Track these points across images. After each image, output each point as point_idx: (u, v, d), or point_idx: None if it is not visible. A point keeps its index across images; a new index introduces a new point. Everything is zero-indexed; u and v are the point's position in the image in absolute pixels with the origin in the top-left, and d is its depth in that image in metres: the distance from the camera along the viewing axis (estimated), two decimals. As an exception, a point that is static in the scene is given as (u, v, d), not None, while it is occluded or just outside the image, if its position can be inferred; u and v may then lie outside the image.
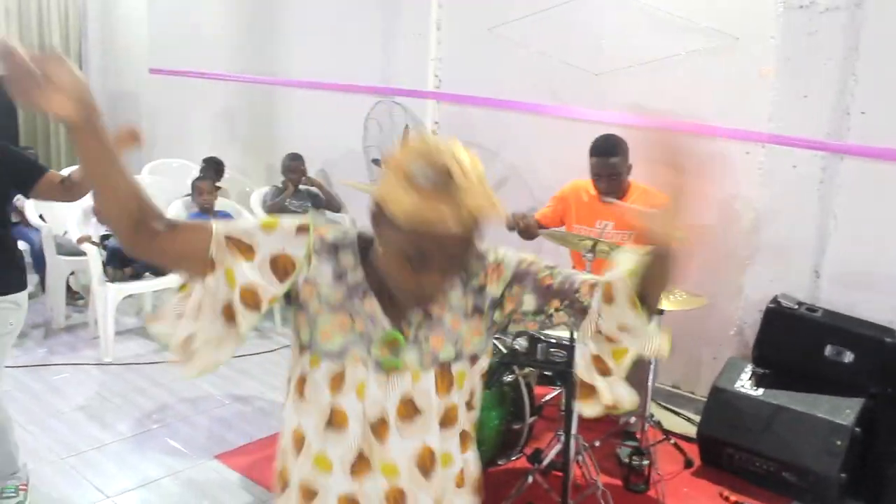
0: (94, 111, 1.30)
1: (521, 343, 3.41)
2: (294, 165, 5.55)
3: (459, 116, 5.04)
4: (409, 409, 1.45)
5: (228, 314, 1.40)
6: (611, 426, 3.92)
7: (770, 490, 3.52)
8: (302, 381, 1.48)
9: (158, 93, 7.20)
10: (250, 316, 1.41)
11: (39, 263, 5.25)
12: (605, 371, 1.46)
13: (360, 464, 1.46)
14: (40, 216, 5.18)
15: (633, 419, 3.70)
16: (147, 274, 4.83)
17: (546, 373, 3.57)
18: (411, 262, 1.33)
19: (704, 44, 4.01)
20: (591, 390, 1.48)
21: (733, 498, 3.46)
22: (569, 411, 3.12)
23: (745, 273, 4.04)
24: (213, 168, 5.89)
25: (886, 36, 3.52)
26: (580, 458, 3.26)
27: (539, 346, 3.31)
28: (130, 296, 4.99)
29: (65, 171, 3.12)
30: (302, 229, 1.43)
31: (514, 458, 3.44)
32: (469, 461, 1.58)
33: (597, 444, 3.47)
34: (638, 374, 3.47)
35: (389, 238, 1.34)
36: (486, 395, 2.98)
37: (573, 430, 3.13)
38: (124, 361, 4.64)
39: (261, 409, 4.17)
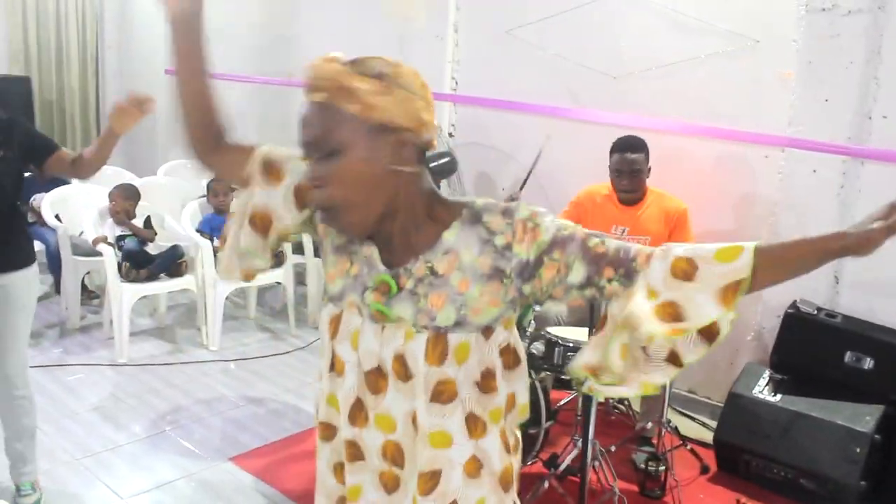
0: (199, 9, 1.55)
1: (538, 347, 3.39)
2: (309, 167, 5.55)
3: (476, 119, 5.02)
4: (403, 369, 1.36)
5: (252, 227, 1.49)
6: (627, 431, 3.90)
7: (787, 497, 3.48)
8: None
9: (174, 93, 7.20)
10: (255, 238, 1.48)
11: (55, 264, 5.27)
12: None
13: (358, 412, 1.41)
14: (56, 216, 5.19)
15: (649, 424, 3.67)
16: (162, 275, 4.83)
17: (563, 377, 3.54)
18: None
19: (724, 46, 3.98)
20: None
21: (750, 505, 3.44)
22: (586, 416, 3.10)
23: (764, 278, 3.99)
24: (228, 169, 5.88)
25: (909, 39, 3.49)
26: (596, 463, 3.24)
27: (556, 349, 3.28)
28: (145, 297, 4.99)
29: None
30: None
31: (529, 463, 3.42)
32: (488, 452, 1.41)
33: (612, 449, 3.44)
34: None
35: None
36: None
37: (590, 436, 3.11)
38: (139, 362, 4.65)
39: (275, 410, 4.16)
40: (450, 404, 1.36)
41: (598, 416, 3.23)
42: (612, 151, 3.84)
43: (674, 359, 1.35)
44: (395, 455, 1.40)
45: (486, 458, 1.41)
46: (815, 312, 3.67)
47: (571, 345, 3.28)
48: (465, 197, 1.44)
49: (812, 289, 3.81)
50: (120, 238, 4.84)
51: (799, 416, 3.49)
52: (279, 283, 5.29)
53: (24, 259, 2.97)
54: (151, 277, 4.79)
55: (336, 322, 1.42)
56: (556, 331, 3.45)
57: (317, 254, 5.39)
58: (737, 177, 4.08)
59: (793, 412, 3.51)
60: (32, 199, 5.30)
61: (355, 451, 1.44)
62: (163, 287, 4.92)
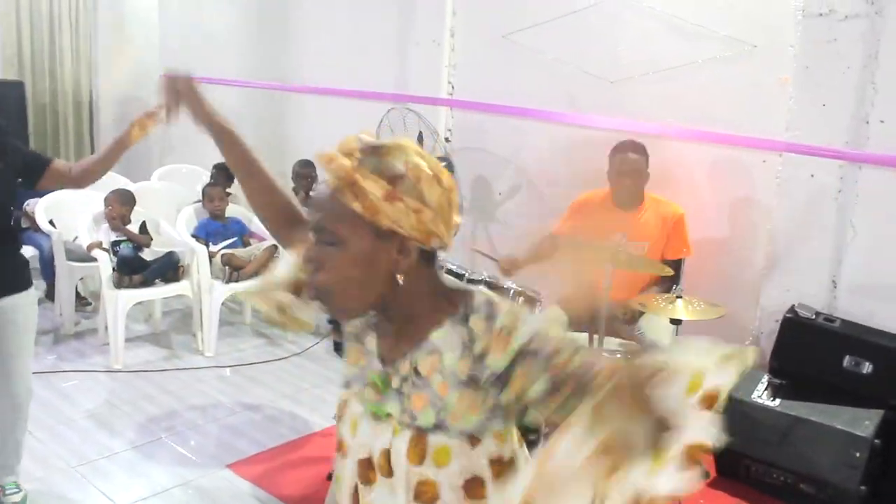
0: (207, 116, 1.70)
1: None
2: (305, 172, 5.53)
3: (473, 123, 5.01)
4: (387, 465, 1.36)
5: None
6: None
7: (787, 502, 3.48)
8: None
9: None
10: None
11: (49, 269, 5.24)
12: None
13: (355, 499, 1.45)
14: (50, 221, 5.16)
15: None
16: (157, 281, 4.80)
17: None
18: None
19: (722, 52, 3.98)
20: None
21: (751, 510, 3.43)
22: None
23: (762, 283, 4.00)
24: (223, 174, 5.85)
25: (906, 44, 3.49)
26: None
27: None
28: (140, 302, 4.96)
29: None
30: None
31: (529, 469, 3.39)
32: None
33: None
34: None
35: None
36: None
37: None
38: (134, 369, 4.62)
39: (271, 417, 4.14)
40: None
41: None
42: (612, 154, 3.85)
43: None
44: None
45: None
46: (814, 317, 3.67)
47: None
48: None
49: (810, 293, 3.81)
50: (115, 244, 4.81)
51: (798, 421, 3.47)
52: (275, 289, 5.25)
53: (26, 281, 3.01)
54: (145, 283, 4.76)
55: (344, 406, 1.46)
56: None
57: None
58: (734, 181, 4.08)
59: (792, 417, 3.49)
60: (26, 204, 5.27)
61: None
62: (158, 293, 4.90)
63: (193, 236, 5.05)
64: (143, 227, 5.02)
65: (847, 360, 3.53)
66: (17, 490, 3.21)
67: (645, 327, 3.72)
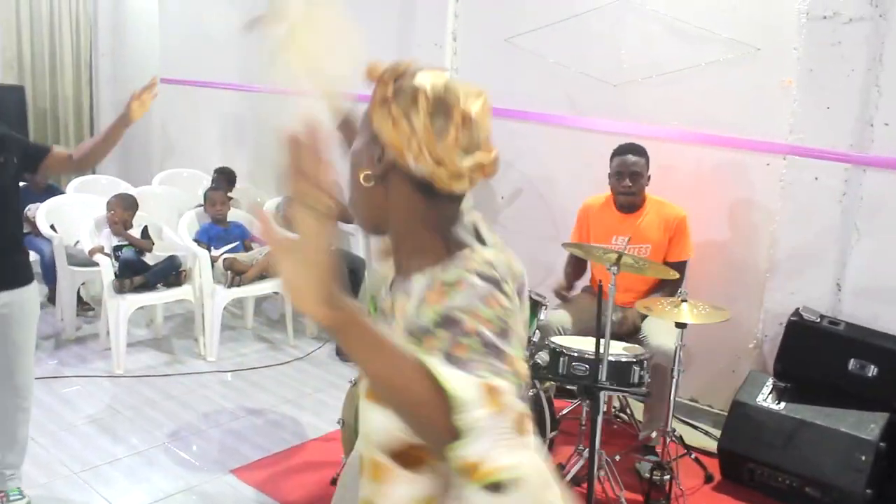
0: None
1: (543, 357, 3.37)
2: (307, 176, 5.52)
3: (474, 127, 5.00)
4: None
5: None
6: (629, 440, 3.88)
7: (793, 506, 3.48)
8: None
9: (169, 102, 7.15)
10: None
11: (50, 274, 5.22)
12: None
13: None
14: (51, 226, 5.15)
15: (654, 434, 3.65)
16: (159, 286, 4.79)
17: (567, 387, 3.52)
18: None
19: (725, 54, 3.98)
20: None
21: (756, 514, 3.42)
22: (593, 426, 3.07)
23: (766, 286, 3.99)
24: (225, 178, 5.86)
25: (910, 47, 3.49)
26: (601, 473, 3.22)
27: (561, 359, 3.27)
28: (142, 307, 4.95)
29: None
30: None
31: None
32: None
33: (617, 458, 3.42)
34: (660, 388, 3.44)
35: None
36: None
37: (597, 446, 3.09)
38: (136, 374, 4.60)
39: (274, 422, 4.13)
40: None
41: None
42: (612, 156, 3.87)
43: None
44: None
45: None
46: (819, 320, 3.66)
47: (576, 354, 3.26)
48: (474, 249, 1.24)
49: (814, 297, 3.81)
50: (117, 248, 4.80)
51: (803, 425, 3.47)
52: (277, 293, 5.25)
53: (29, 275, 3.03)
54: (146, 286, 4.74)
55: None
56: (560, 340, 3.43)
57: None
58: (738, 184, 4.08)
59: (797, 420, 3.49)
60: (27, 209, 5.26)
61: None
62: (160, 297, 4.88)
63: (195, 241, 5.04)
64: (144, 231, 5.01)
65: (852, 364, 3.53)
66: (20, 496, 3.20)
67: (648, 331, 3.72)
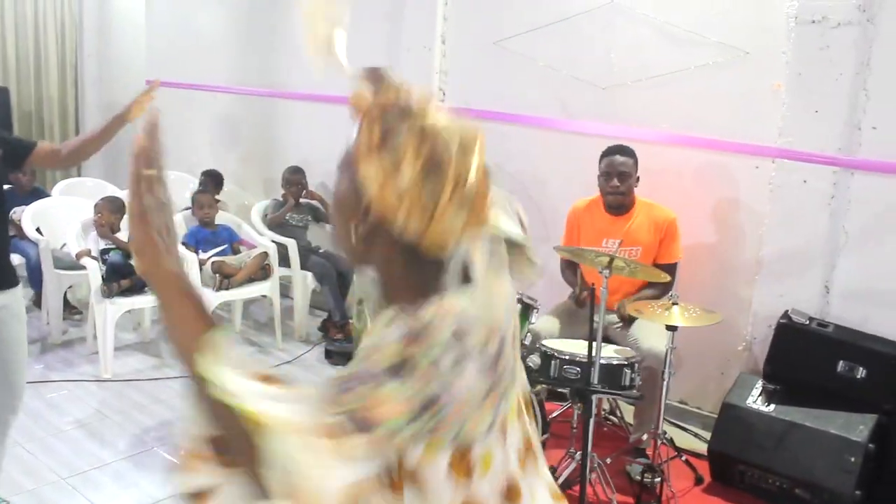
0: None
1: (534, 360, 3.37)
2: (295, 178, 5.51)
3: (464, 130, 4.99)
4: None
5: None
6: (619, 443, 3.89)
7: (783, 508, 3.50)
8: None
9: (156, 104, 7.13)
10: None
11: (36, 277, 5.18)
12: None
13: None
14: (37, 229, 5.11)
15: (644, 436, 3.66)
16: (147, 289, 4.76)
17: (559, 390, 3.52)
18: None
19: (715, 58, 4.00)
20: None
21: (747, 516, 3.43)
22: (585, 429, 3.08)
23: (754, 288, 4.01)
24: (212, 181, 5.83)
25: (898, 51, 3.52)
26: (592, 475, 3.22)
27: (552, 362, 3.27)
28: (129, 311, 4.92)
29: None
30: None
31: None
32: None
33: (608, 461, 3.43)
34: (650, 390, 3.45)
35: None
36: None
37: (589, 449, 3.09)
38: (124, 378, 4.57)
39: (264, 425, 4.10)
40: None
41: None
42: (601, 157, 3.89)
43: None
44: None
45: None
46: (808, 322, 3.68)
47: (567, 357, 3.26)
48: (432, 311, 1.14)
49: (803, 299, 3.83)
50: (104, 251, 4.77)
51: (793, 426, 3.49)
52: (265, 296, 5.23)
53: (16, 276, 3.00)
54: (133, 289, 4.71)
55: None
56: (551, 343, 3.43)
57: (303, 266, 5.35)
58: (727, 187, 4.10)
59: (787, 422, 3.51)
60: (12, 212, 5.21)
61: None
62: (148, 301, 4.84)
63: (183, 244, 5.01)
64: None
65: (841, 366, 3.55)
66: (3, 502, 3.19)
67: (639, 334, 3.73)
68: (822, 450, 3.40)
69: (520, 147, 4.73)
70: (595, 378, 3.11)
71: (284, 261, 5.28)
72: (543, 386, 3.53)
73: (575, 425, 3.47)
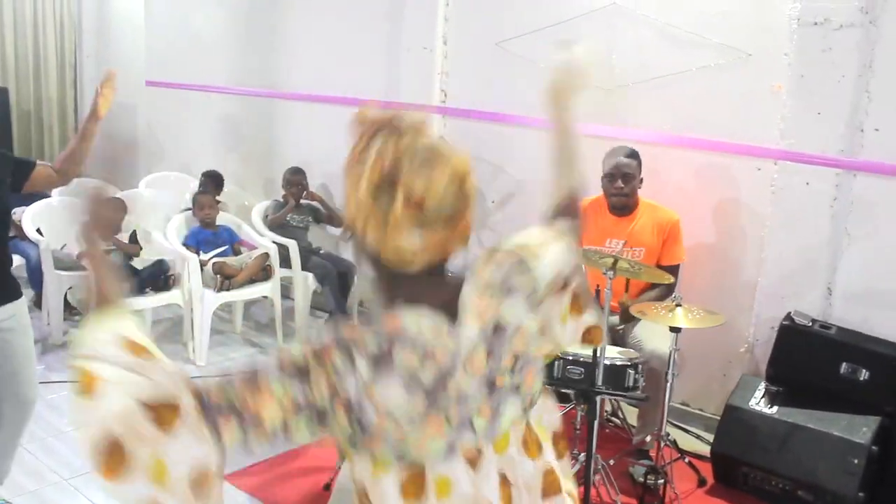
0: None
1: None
2: (296, 179, 5.51)
3: (465, 131, 4.99)
4: (508, 491, 1.29)
5: None
6: (622, 444, 3.88)
7: (786, 509, 3.50)
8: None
9: (155, 105, 7.14)
10: None
11: (36, 278, 5.17)
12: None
13: None
14: (38, 230, 5.10)
15: (648, 438, 3.65)
16: (148, 290, 4.75)
17: (563, 390, 3.52)
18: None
19: (716, 59, 4.00)
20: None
21: (750, 518, 3.43)
22: (590, 430, 3.07)
23: (756, 290, 4.01)
24: (212, 182, 5.82)
25: (901, 53, 3.52)
26: (596, 477, 3.22)
27: (556, 363, 3.26)
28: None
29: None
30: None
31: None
32: None
33: (611, 462, 3.43)
34: (654, 392, 3.45)
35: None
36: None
37: (593, 450, 3.09)
38: (124, 378, 4.55)
39: (266, 427, 4.10)
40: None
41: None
42: (604, 159, 3.88)
43: None
44: None
45: None
46: (810, 324, 3.68)
47: (571, 358, 3.26)
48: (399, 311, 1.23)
49: (805, 301, 3.83)
50: (106, 252, 4.75)
51: (796, 428, 3.49)
52: (266, 297, 5.22)
53: (19, 288, 3.02)
54: (136, 292, 4.70)
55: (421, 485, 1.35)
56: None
57: (304, 267, 5.34)
58: (729, 189, 4.10)
59: (790, 424, 3.51)
60: (12, 212, 5.19)
61: None
62: (149, 302, 4.84)
63: (184, 244, 5.00)
64: (133, 236, 4.97)
65: (844, 368, 3.55)
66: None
67: (642, 335, 3.72)
68: (826, 452, 3.40)
69: (520, 148, 4.73)
70: (599, 379, 3.11)
71: (285, 262, 5.27)
72: (546, 387, 3.52)
73: (578, 426, 3.46)
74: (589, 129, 4.43)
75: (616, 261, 3.19)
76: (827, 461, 3.39)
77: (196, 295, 4.78)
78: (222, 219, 5.31)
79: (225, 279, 4.87)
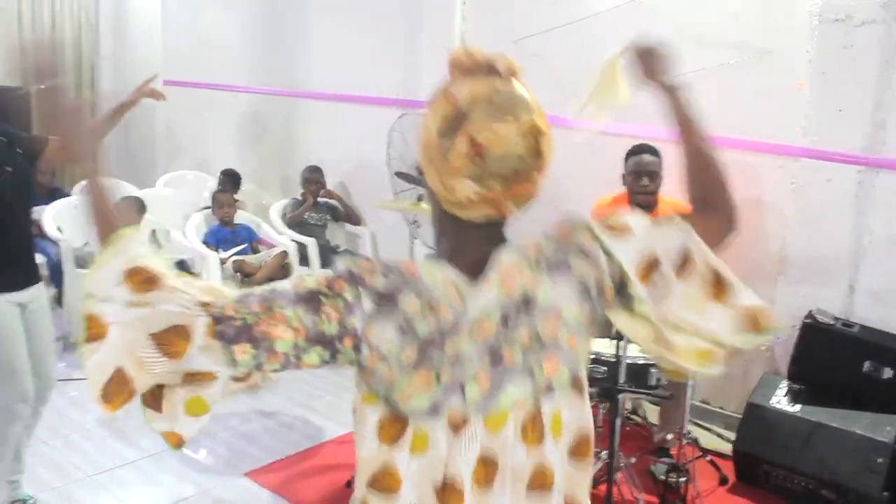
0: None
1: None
2: (314, 177, 5.53)
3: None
4: (485, 472, 1.22)
5: None
6: (642, 443, 3.88)
7: (809, 508, 3.48)
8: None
9: (173, 105, 7.13)
10: None
11: (57, 276, 5.20)
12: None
13: None
14: (58, 228, 5.13)
15: (670, 436, 3.65)
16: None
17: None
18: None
19: (737, 58, 3.98)
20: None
21: (772, 516, 3.42)
22: (612, 428, 3.07)
23: (777, 288, 4.00)
24: (230, 180, 5.85)
25: (924, 49, 3.51)
26: (617, 475, 3.21)
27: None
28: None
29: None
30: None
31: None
32: None
33: (632, 460, 3.42)
34: (676, 390, 3.44)
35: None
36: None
37: (615, 447, 3.09)
38: (145, 376, 4.57)
39: (286, 424, 4.12)
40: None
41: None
42: (627, 156, 3.86)
43: None
44: None
45: None
46: (833, 322, 3.67)
47: (593, 356, 3.26)
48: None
49: (827, 299, 3.82)
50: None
51: (819, 427, 3.47)
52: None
53: (38, 272, 3.17)
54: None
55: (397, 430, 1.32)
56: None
57: (323, 265, 5.36)
58: (750, 187, 4.07)
59: (812, 422, 3.49)
60: (32, 211, 5.23)
61: None
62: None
63: (203, 243, 5.03)
64: (152, 235, 4.99)
65: (867, 366, 3.54)
66: (30, 497, 3.24)
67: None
68: (849, 450, 3.39)
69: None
70: (622, 377, 3.11)
71: (304, 260, 5.29)
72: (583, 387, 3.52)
73: (600, 424, 3.46)
74: (607, 126, 4.43)
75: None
76: (850, 460, 3.37)
77: (216, 293, 4.80)
78: (241, 217, 5.34)
79: (244, 277, 4.89)
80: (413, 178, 4.78)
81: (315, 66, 5.99)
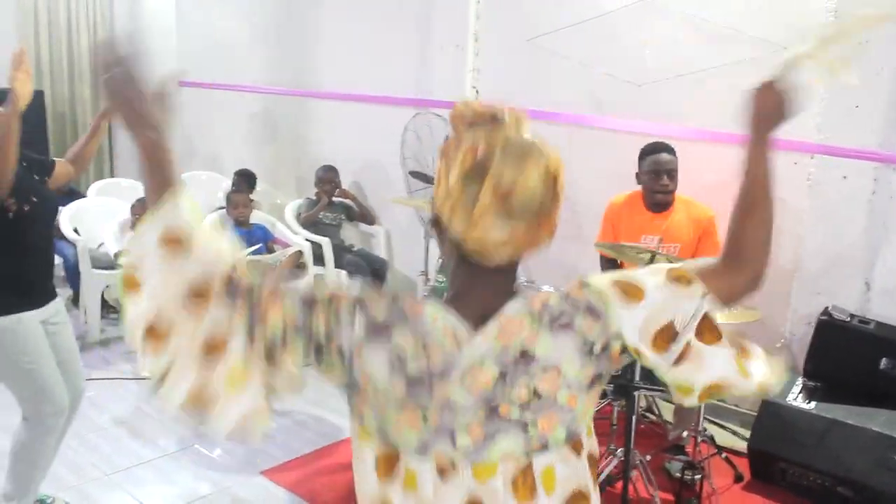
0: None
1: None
2: (328, 177, 5.54)
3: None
4: None
5: None
6: (657, 440, 3.88)
7: (825, 506, 3.47)
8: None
9: (187, 105, 7.19)
10: None
11: (74, 277, 5.25)
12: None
13: None
14: (74, 230, 5.17)
15: (685, 433, 3.64)
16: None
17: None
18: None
19: (750, 54, 3.97)
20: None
21: (789, 513, 3.41)
22: (628, 426, 3.07)
23: (793, 285, 3.99)
24: (245, 180, 5.88)
25: (940, 45, 3.48)
26: (632, 473, 3.21)
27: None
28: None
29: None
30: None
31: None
32: None
33: (648, 458, 3.42)
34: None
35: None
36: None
37: (631, 446, 3.09)
38: (162, 375, 4.61)
39: (301, 422, 4.14)
40: None
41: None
42: (642, 156, 3.85)
43: None
44: None
45: None
46: (849, 319, 3.65)
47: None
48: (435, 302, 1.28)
49: (842, 296, 3.80)
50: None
51: (834, 424, 3.46)
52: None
53: (55, 288, 3.20)
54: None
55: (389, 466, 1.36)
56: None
57: (337, 265, 5.38)
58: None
59: (828, 419, 3.48)
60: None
61: None
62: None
63: (219, 243, 5.04)
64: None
65: (884, 363, 3.53)
66: (49, 496, 3.27)
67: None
68: (865, 447, 3.37)
69: (553, 144, 4.71)
70: (637, 374, 3.11)
71: (319, 259, 5.31)
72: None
73: (615, 422, 3.46)
74: (621, 124, 4.43)
75: (654, 256, 3.18)
76: (866, 457, 3.35)
77: (231, 293, 4.82)
78: (256, 217, 5.36)
79: (259, 277, 4.91)
80: (427, 177, 4.80)
81: (328, 65, 6.01)
